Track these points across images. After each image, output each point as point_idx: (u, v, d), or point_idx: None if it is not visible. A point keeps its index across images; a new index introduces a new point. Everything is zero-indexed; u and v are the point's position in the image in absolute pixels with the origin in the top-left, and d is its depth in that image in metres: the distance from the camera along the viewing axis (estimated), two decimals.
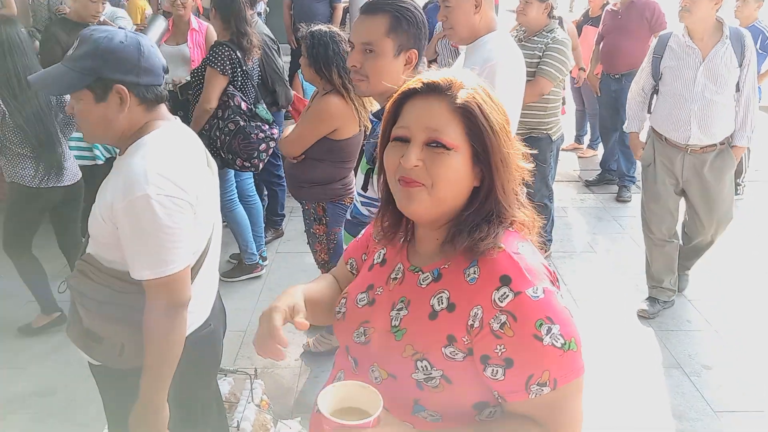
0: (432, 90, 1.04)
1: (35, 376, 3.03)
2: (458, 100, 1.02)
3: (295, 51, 6.05)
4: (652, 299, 3.49)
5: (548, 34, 3.63)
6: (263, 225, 4.08)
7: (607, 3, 5.49)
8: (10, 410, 2.81)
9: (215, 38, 4.28)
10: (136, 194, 1.42)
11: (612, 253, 4.31)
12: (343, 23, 6.33)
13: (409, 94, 1.07)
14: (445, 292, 1.05)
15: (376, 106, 1.97)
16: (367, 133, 2.77)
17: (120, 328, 1.58)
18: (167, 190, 1.44)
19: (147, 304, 1.51)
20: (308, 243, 3.16)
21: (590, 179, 5.57)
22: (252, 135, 3.49)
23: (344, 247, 3.11)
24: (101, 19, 4.44)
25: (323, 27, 2.76)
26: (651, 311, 3.45)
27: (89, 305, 1.59)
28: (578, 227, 4.76)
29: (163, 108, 1.61)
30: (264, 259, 3.99)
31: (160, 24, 4.34)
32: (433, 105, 1.03)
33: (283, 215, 4.56)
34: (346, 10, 6.49)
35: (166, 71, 1.61)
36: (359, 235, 1.36)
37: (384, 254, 1.21)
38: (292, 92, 4.51)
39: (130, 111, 1.52)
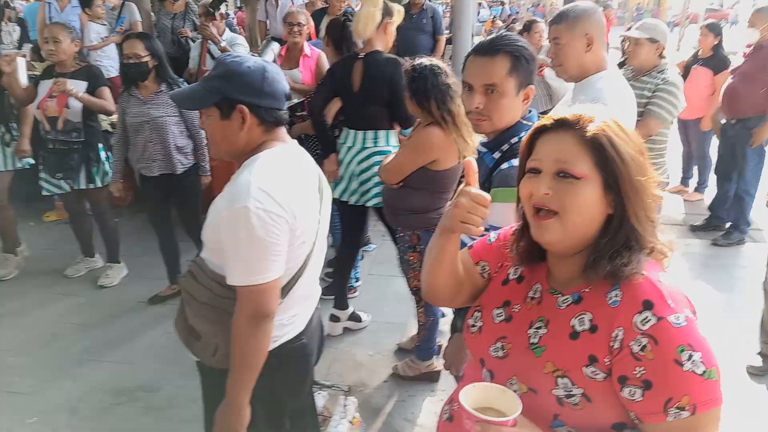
0: (561, 125, 1.14)
1: (143, 372, 3.24)
2: (587, 133, 1.10)
3: None
4: (764, 356, 3.29)
5: (659, 74, 3.55)
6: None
7: (718, 44, 5.30)
8: (119, 402, 3.02)
9: (326, 63, 4.51)
10: (238, 205, 1.54)
11: (717, 302, 4.08)
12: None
13: (541, 130, 1.17)
14: (587, 314, 1.11)
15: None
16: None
17: (216, 330, 1.70)
18: (266, 204, 1.54)
19: (236, 310, 1.62)
20: (401, 269, 3.22)
21: (696, 224, 5.31)
22: None
23: None
24: (222, 45, 4.78)
25: (425, 60, 2.84)
26: (762, 368, 3.25)
27: (193, 304, 1.72)
28: (682, 273, 4.54)
29: (282, 131, 1.73)
30: (357, 280, 4.09)
31: (274, 48, 4.61)
32: (562, 139, 1.13)
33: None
34: (448, 41, 6.60)
35: (288, 97, 1.73)
36: (491, 240, 1.40)
37: (521, 271, 1.28)
38: None
39: (250, 130, 1.65)
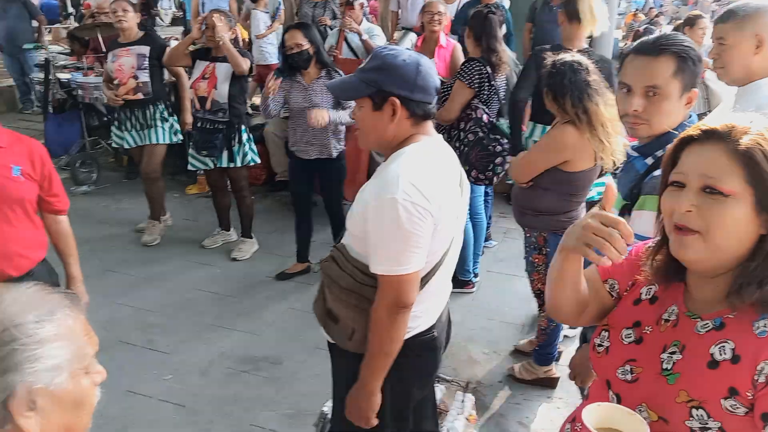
0: (710, 136, 1.04)
1: (267, 344, 3.42)
2: (740, 146, 1.00)
3: None
4: None
5: None
6: (483, 243, 4.13)
7: None
8: (244, 370, 3.21)
9: (460, 56, 4.48)
10: (386, 196, 1.57)
11: None
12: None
13: (688, 141, 1.07)
14: (729, 342, 1.02)
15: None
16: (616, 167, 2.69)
17: (354, 315, 1.74)
18: (413, 197, 1.56)
19: (376, 298, 1.66)
20: (526, 270, 3.14)
21: None
22: (489, 147, 3.60)
23: None
24: (363, 37, 4.87)
25: (567, 55, 2.73)
26: None
27: (334, 288, 1.78)
28: None
29: (429, 124, 1.74)
30: (476, 275, 4.05)
31: (411, 38, 4.65)
32: (710, 151, 1.03)
33: (489, 224, 4.56)
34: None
35: (438, 92, 1.74)
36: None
37: (654, 291, 1.19)
38: None
39: (399, 122, 1.67)
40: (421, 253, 1.62)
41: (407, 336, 1.72)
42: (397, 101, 1.64)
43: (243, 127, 4.20)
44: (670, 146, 1.12)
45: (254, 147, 4.30)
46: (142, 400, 2.89)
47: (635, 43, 1.72)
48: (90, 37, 5.66)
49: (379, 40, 5.01)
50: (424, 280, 1.70)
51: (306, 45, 3.61)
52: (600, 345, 1.21)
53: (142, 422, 2.76)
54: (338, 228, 4.04)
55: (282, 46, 3.78)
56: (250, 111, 5.16)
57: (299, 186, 4.05)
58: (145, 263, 4.30)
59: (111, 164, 6.03)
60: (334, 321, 1.81)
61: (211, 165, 4.18)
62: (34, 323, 0.88)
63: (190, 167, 4.33)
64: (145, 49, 4.25)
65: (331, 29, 6.19)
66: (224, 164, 4.15)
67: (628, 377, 1.14)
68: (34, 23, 7.59)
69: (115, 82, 4.25)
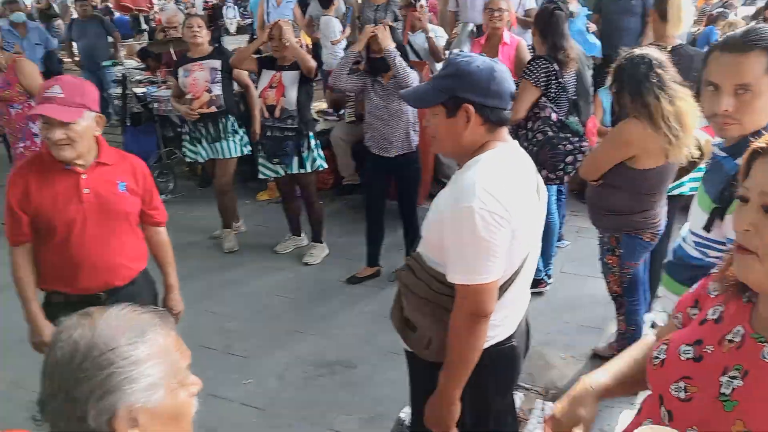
0: None
1: (341, 348, 3.46)
2: None
3: (596, 68, 5.87)
4: None
5: None
6: (555, 243, 4.05)
7: None
8: (320, 374, 3.26)
9: (526, 53, 4.40)
10: (463, 205, 1.56)
11: None
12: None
13: (758, 153, 1.01)
14: None
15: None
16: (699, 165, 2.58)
17: (431, 324, 1.75)
18: (490, 205, 1.54)
19: (454, 307, 1.65)
20: (602, 271, 3.06)
21: None
22: (559, 146, 3.53)
23: (641, 283, 2.95)
24: (430, 35, 4.86)
25: (640, 50, 2.64)
26: None
27: (410, 297, 1.78)
28: None
29: (504, 131, 1.72)
30: (549, 276, 3.97)
31: (467, 26, 4.60)
32: None
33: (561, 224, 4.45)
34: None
35: (513, 97, 1.71)
36: (691, 289, 1.27)
37: (721, 312, 1.12)
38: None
39: (473, 129, 1.65)
40: (498, 262, 1.60)
41: (486, 345, 1.71)
42: (471, 108, 1.63)
43: (311, 133, 4.27)
44: (744, 155, 1.05)
45: (322, 152, 4.36)
46: (224, 403, 2.99)
47: (721, 39, 1.64)
48: (162, 52, 5.88)
49: (442, 41, 4.99)
50: (503, 289, 1.69)
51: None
52: (656, 357, 1.15)
53: (225, 426, 2.85)
54: (412, 232, 4.06)
55: (366, 49, 3.80)
56: (315, 116, 5.25)
57: (374, 188, 4.09)
58: (221, 269, 4.44)
59: (185, 173, 6.26)
60: (411, 330, 1.82)
61: (282, 172, 4.27)
62: (127, 346, 0.92)
63: (261, 176, 4.43)
64: (217, 63, 4.36)
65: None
66: (294, 171, 4.22)
67: (682, 395, 1.07)
68: (110, 39, 7.96)
69: (188, 96, 4.37)
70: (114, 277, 2.24)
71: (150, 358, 0.93)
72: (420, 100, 1.80)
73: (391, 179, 4.06)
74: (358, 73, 3.89)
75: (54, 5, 13.33)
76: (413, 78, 3.69)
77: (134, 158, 2.32)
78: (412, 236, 4.07)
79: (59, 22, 13.53)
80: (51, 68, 6.93)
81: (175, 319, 2.54)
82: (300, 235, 4.71)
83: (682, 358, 1.11)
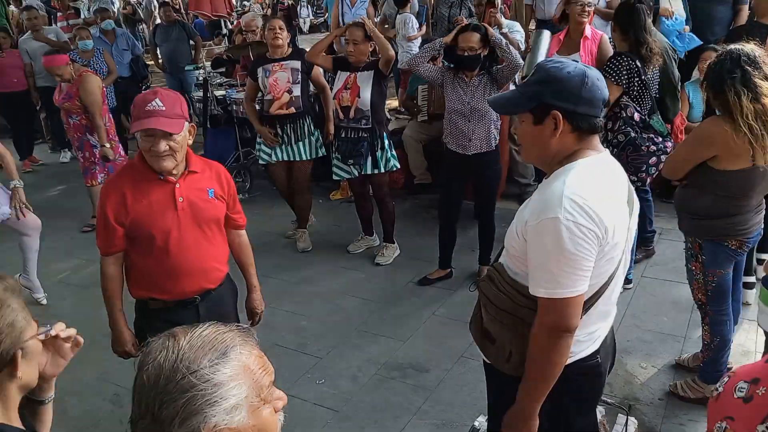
0: None
1: (413, 351, 3.45)
2: None
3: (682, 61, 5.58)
4: None
5: None
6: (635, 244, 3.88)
7: None
8: (392, 377, 3.26)
9: (609, 48, 4.23)
10: (548, 216, 1.51)
11: None
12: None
13: None
14: None
15: None
16: None
17: (511, 337, 1.70)
18: (578, 218, 1.49)
19: (536, 321, 1.60)
20: (687, 278, 2.91)
21: None
22: (642, 147, 3.39)
23: (728, 293, 2.77)
24: (504, 30, 4.76)
25: (734, 46, 2.47)
26: None
27: (490, 309, 1.75)
28: None
29: (596, 139, 1.65)
30: (629, 282, 3.81)
31: (546, 38, 4.46)
32: None
33: (653, 232, 4.27)
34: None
35: (606, 104, 1.64)
36: None
37: None
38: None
39: (562, 137, 1.60)
40: (585, 276, 1.54)
41: (569, 361, 1.65)
42: (560, 114, 1.57)
43: (385, 133, 4.27)
44: None
45: (395, 153, 4.36)
46: (299, 403, 3.04)
47: None
48: (242, 56, 6.05)
49: (518, 36, 4.88)
50: (588, 303, 1.62)
51: (480, 49, 3.63)
52: (717, 389, 1.08)
53: (300, 425, 2.90)
54: (487, 234, 4.00)
55: (452, 45, 3.75)
56: (388, 115, 5.25)
57: (450, 187, 4.03)
58: (296, 268, 4.52)
59: (262, 173, 6.41)
60: (490, 342, 1.79)
61: (356, 173, 4.30)
62: (209, 368, 0.92)
63: (335, 177, 4.47)
64: (298, 64, 4.38)
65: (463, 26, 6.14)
66: (368, 171, 4.24)
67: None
68: (191, 42, 8.26)
69: (268, 97, 4.40)
70: (208, 280, 2.32)
71: (232, 380, 0.94)
72: (506, 107, 1.77)
73: (468, 178, 3.99)
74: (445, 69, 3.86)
75: (138, 10, 13.99)
76: (520, 62, 3.72)
77: (217, 165, 2.39)
78: (488, 238, 4.01)
79: (143, 27, 14.20)
80: (137, 72, 7.26)
81: (258, 318, 2.63)
82: (372, 235, 4.73)
83: (735, 396, 1.03)
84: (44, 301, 4.19)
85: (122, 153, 5.10)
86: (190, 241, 2.22)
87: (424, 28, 6.88)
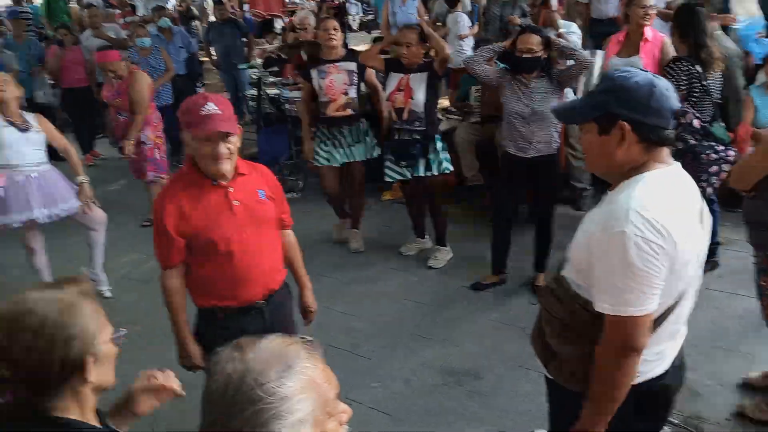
0: None
1: (467, 356, 3.44)
2: None
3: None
4: None
5: None
6: None
7: None
8: (445, 382, 3.26)
9: (670, 51, 4.11)
10: (615, 230, 1.47)
11: None
12: None
13: None
14: None
15: None
16: None
17: (575, 354, 1.67)
18: (646, 233, 1.45)
19: (602, 339, 1.56)
20: (757, 293, 2.81)
21: None
22: (703, 155, 3.29)
23: None
24: (560, 30, 4.68)
25: None
26: None
27: (553, 323, 1.71)
28: None
29: (665, 152, 1.60)
30: None
31: (599, 59, 4.37)
32: None
33: (718, 243, 4.13)
34: None
35: (676, 116, 1.59)
36: None
37: None
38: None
39: (629, 148, 1.56)
40: (654, 293, 1.50)
41: (637, 381, 1.61)
42: (627, 125, 1.53)
43: (437, 135, 4.25)
44: None
45: (448, 155, 4.34)
46: (353, 406, 2.99)
47: None
48: (294, 55, 6.10)
49: (574, 37, 4.78)
50: (657, 322, 1.58)
51: (539, 51, 3.58)
52: None
53: (356, 429, 2.92)
54: (544, 240, 3.95)
55: (512, 46, 3.72)
56: (439, 116, 5.22)
57: (506, 190, 3.98)
58: (348, 268, 4.55)
59: (315, 172, 6.47)
60: (552, 357, 1.76)
61: (409, 175, 4.29)
62: (276, 381, 0.93)
63: (387, 179, 4.45)
64: (353, 66, 4.38)
65: (521, 28, 6.05)
66: (421, 173, 4.23)
67: None
68: (244, 40, 8.38)
69: (324, 99, 4.39)
70: (272, 282, 2.32)
71: (298, 393, 0.94)
72: (571, 116, 1.74)
73: (527, 182, 3.93)
74: (501, 72, 3.82)
75: (192, 7, 14.26)
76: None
77: (261, 166, 2.39)
78: (545, 244, 3.96)
79: (197, 23, 14.47)
80: (192, 70, 7.41)
81: (311, 317, 2.65)
82: (424, 238, 4.72)
83: None
84: (108, 294, 4.32)
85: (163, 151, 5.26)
86: (251, 244, 2.19)
87: (476, 27, 6.82)
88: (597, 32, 6.88)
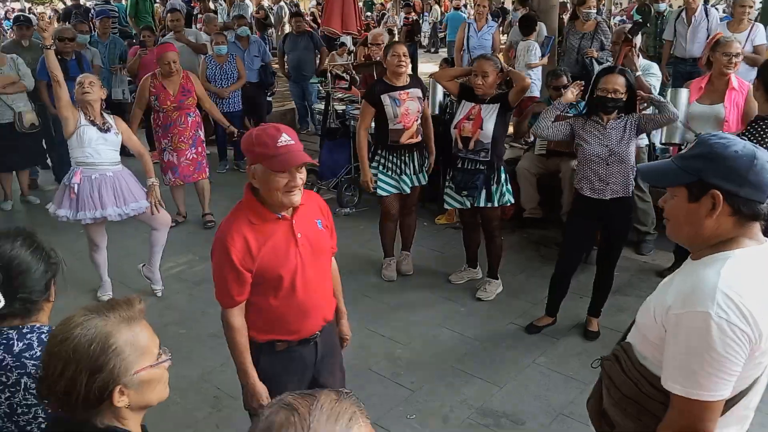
0: None
1: (509, 399, 3.32)
2: None
3: None
4: None
5: None
6: None
7: None
8: (485, 423, 3.14)
9: (755, 104, 3.91)
10: (697, 309, 1.38)
11: None
12: None
13: None
14: None
15: None
16: None
17: (633, 427, 1.57)
18: (731, 317, 1.35)
19: (666, 418, 1.47)
20: None
21: None
22: None
23: None
24: (638, 74, 4.52)
25: None
26: None
27: (613, 393, 1.62)
28: None
29: (756, 227, 1.49)
30: None
31: (683, 98, 4.19)
32: None
33: None
34: None
35: None
36: None
37: None
38: None
39: (719, 219, 1.46)
40: (729, 380, 1.39)
41: None
42: (720, 195, 1.43)
43: (502, 167, 4.17)
44: None
45: (510, 187, 4.24)
46: None
47: None
48: (363, 73, 6.14)
49: (654, 80, 4.61)
50: (729, 404, 1.46)
51: (623, 93, 3.48)
52: None
53: None
54: (604, 285, 3.80)
55: (593, 86, 3.62)
56: (505, 145, 5.12)
57: (577, 232, 3.83)
58: (395, 291, 4.50)
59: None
60: (608, 426, 1.67)
61: (468, 204, 4.21)
62: None
63: (446, 206, 4.39)
64: (420, 92, 4.36)
65: (599, 62, 5.91)
66: (481, 204, 4.15)
67: None
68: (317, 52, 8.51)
69: (398, 126, 4.29)
70: (329, 313, 2.32)
71: None
72: (659, 178, 1.63)
73: (598, 225, 3.78)
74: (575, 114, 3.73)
75: (270, 15, 14.65)
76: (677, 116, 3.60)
77: (314, 194, 2.38)
78: (604, 289, 3.81)
79: (271, 31, 14.84)
80: (265, 79, 7.56)
81: (346, 344, 2.60)
82: (476, 267, 4.62)
83: None
84: (160, 294, 4.42)
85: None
86: (312, 276, 2.17)
87: (546, 58, 6.69)
88: (679, 72, 6.68)
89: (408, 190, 4.49)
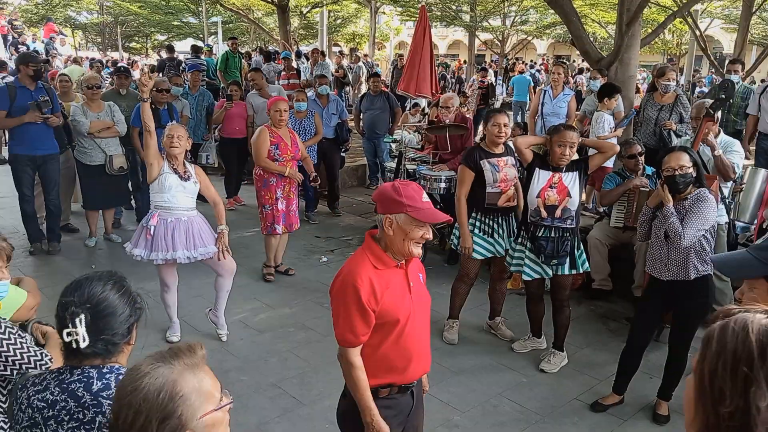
0: None
1: None
2: None
3: None
4: None
5: None
6: None
7: None
8: None
9: None
10: None
11: None
12: None
13: None
14: None
15: None
16: None
17: None
18: None
19: None
20: None
21: None
22: None
23: None
24: (717, 152, 4.40)
25: None
26: None
27: None
28: None
29: None
30: None
31: (761, 177, 4.04)
32: None
33: None
34: None
35: None
36: None
37: None
38: None
39: None
40: None
41: None
42: None
43: (577, 232, 4.12)
44: None
45: (585, 254, 4.16)
46: None
47: None
48: (436, 135, 6.24)
49: (736, 157, 4.46)
50: None
51: (690, 169, 3.44)
52: None
53: None
54: (676, 369, 3.64)
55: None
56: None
57: (647, 311, 3.73)
58: (458, 356, 4.42)
59: (435, 246, 6.48)
60: None
61: (551, 273, 4.13)
62: None
63: (525, 277, 4.19)
64: (513, 160, 4.43)
65: (677, 135, 5.79)
66: (566, 272, 4.07)
67: None
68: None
69: (496, 189, 4.34)
70: (427, 364, 2.45)
71: None
72: (738, 270, 1.58)
73: (666, 305, 3.69)
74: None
75: (349, 74, 15.21)
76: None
77: None
78: (676, 372, 3.63)
79: (349, 89, 15.37)
80: (340, 135, 7.80)
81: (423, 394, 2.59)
82: (540, 337, 4.50)
83: None
84: (224, 339, 4.52)
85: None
86: (418, 324, 2.31)
87: (620, 131, 6.52)
88: (762, 148, 6.46)
89: (503, 252, 4.48)
